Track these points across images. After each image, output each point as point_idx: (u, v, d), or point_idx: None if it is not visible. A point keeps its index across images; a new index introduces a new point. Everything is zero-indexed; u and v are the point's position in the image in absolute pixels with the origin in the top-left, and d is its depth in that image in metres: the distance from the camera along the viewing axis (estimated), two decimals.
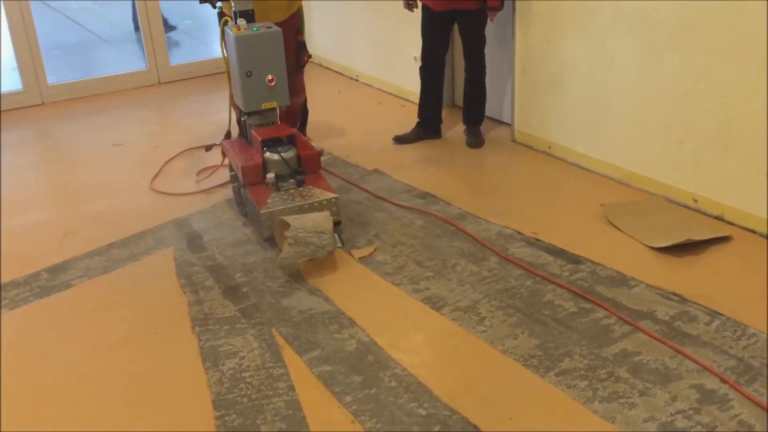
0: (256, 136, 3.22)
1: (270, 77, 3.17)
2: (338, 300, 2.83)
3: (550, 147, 4.10)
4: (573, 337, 2.52)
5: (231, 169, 3.58)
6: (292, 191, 3.15)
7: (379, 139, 4.58)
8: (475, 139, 4.29)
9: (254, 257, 3.20)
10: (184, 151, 4.56)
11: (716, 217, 3.26)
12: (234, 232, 3.44)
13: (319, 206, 3.08)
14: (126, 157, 4.53)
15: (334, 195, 3.14)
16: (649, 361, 2.38)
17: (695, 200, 3.35)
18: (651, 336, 2.49)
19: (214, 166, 4.00)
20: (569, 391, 2.26)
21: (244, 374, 2.45)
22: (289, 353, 2.54)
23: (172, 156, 4.47)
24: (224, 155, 3.71)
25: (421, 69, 4.36)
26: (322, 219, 2.94)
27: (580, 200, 3.56)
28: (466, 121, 4.39)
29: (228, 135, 3.59)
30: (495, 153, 4.24)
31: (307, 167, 3.22)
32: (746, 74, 3.01)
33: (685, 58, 3.24)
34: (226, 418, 2.25)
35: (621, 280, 2.84)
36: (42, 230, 3.59)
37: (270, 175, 3.14)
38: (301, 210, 3.06)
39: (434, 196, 3.70)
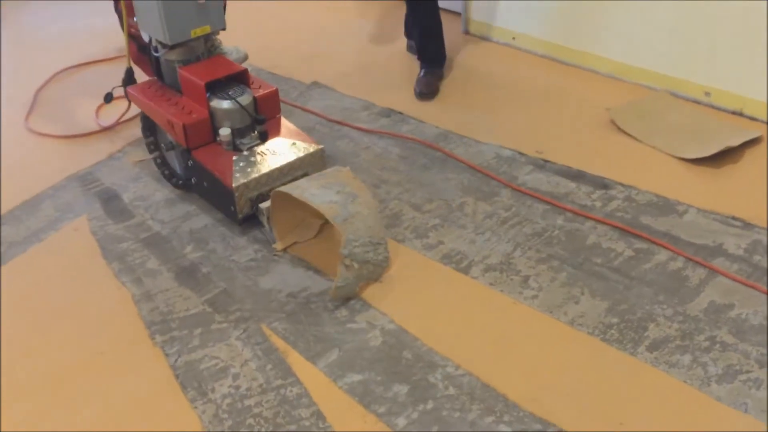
0: (193, 78, 2.35)
1: None
2: (333, 272, 2.20)
3: (514, 38, 3.50)
4: (644, 291, 2.05)
5: (146, 129, 2.60)
6: (257, 149, 2.38)
7: (302, 38, 3.80)
8: (428, 88, 3.18)
9: (201, 221, 2.48)
10: (58, 73, 3.60)
11: (734, 113, 2.84)
12: (161, 185, 2.67)
13: (301, 163, 2.36)
14: None
15: (318, 146, 2.41)
16: (748, 315, 1.95)
17: (707, 93, 2.90)
18: (736, 280, 2.06)
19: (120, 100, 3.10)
20: (675, 373, 1.80)
21: (247, 402, 1.81)
22: (296, 360, 1.92)
23: (43, 81, 3.52)
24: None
25: None
26: (376, 223, 2.14)
27: (575, 103, 3.03)
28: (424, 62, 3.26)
29: (130, 76, 2.67)
30: (449, 49, 3.59)
31: (266, 113, 2.45)
32: None
33: None
34: None
35: (665, 206, 2.38)
36: None
37: (225, 131, 2.35)
38: (282, 174, 2.31)
39: (400, 113, 3.05)
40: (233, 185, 2.23)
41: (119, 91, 2.79)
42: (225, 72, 2.38)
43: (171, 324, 2.06)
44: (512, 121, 2.94)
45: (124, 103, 2.83)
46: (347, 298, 2.08)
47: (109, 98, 2.82)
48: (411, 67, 3.37)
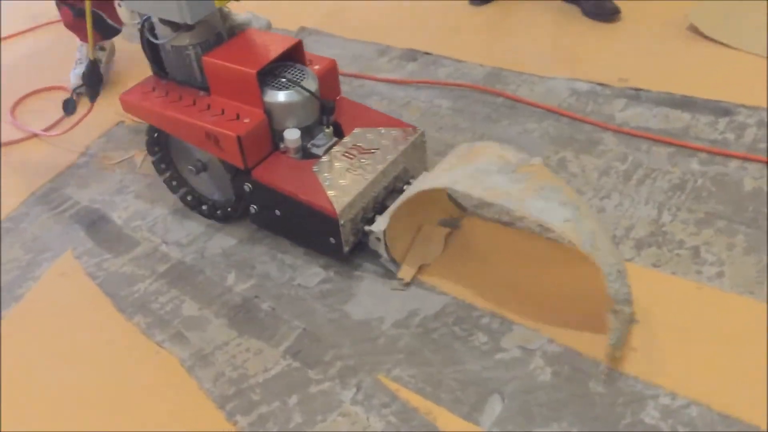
0: (237, 67, 1.64)
1: None
2: (441, 275, 1.67)
3: None
4: None
5: (154, 144, 1.88)
6: (335, 150, 1.72)
7: None
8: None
9: (231, 235, 1.87)
10: None
11: None
12: (159, 192, 2.03)
13: (403, 158, 1.71)
14: None
15: (416, 130, 1.76)
16: None
17: None
18: None
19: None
20: None
21: None
22: (449, 422, 1.39)
23: None
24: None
25: None
26: (611, 242, 1.46)
27: (640, 11, 2.51)
28: None
29: (95, 72, 1.97)
30: None
31: (327, 95, 1.78)
32: None
33: None
34: None
35: None
36: None
37: (294, 135, 1.68)
38: (385, 177, 1.67)
39: (429, 53, 2.47)
40: (337, 210, 1.58)
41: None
42: (277, 50, 1.68)
43: (251, 395, 1.49)
44: (571, 45, 2.41)
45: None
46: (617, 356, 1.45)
47: (71, 108, 2.10)
48: None
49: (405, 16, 2.70)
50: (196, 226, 1.92)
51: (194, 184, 1.91)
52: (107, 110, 2.33)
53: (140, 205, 2.02)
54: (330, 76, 1.80)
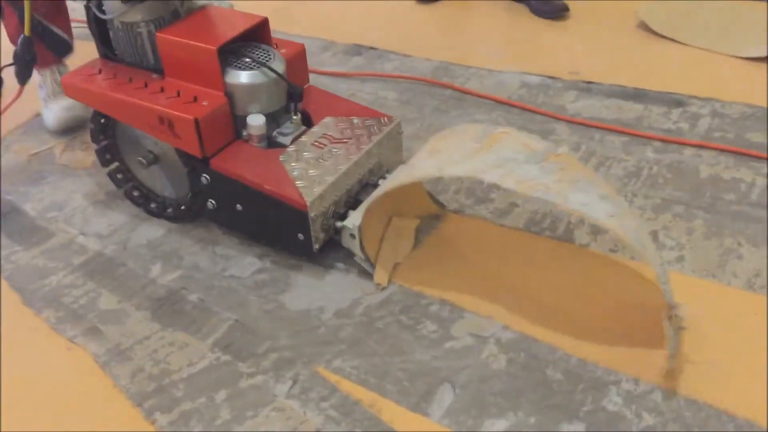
0: (195, 43, 1.48)
1: None
2: (403, 270, 1.54)
3: None
4: None
5: (106, 147, 1.71)
6: (304, 138, 1.56)
7: None
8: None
9: (158, 225, 1.72)
10: None
11: None
12: (80, 182, 1.87)
13: (378, 149, 1.57)
14: None
15: (391, 119, 1.62)
16: None
17: None
18: None
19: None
20: None
21: None
22: (396, 414, 1.25)
23: None
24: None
25: None
26: (648, 235, 1.38)
27: (589, 10, 2.48)
28: None
29: (29, 49, 1.79)
30: None
31: (298, 81, 1.63)
32: None
33: None
34: None
35: (764, 117, 1.89)
36: None
37: (258, 120, 1.52)
38: (358, 168, 1.53)
39: (374, 48, 2.38)
40: (307, 202, 1.42)
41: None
42: (240, 27, 1.53)
43: (173, 391, 1.32)
44: (521, 41, 2.35)
45: None
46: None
47: None
48: None
49: (350, 14, 2.61)
50: (118, 216, 1.75)
51: (145, 182, 1.72)
52: (27, 101, 2.15)
53: (58, 196, 1.85)
54: (298, 61, 1.65)
